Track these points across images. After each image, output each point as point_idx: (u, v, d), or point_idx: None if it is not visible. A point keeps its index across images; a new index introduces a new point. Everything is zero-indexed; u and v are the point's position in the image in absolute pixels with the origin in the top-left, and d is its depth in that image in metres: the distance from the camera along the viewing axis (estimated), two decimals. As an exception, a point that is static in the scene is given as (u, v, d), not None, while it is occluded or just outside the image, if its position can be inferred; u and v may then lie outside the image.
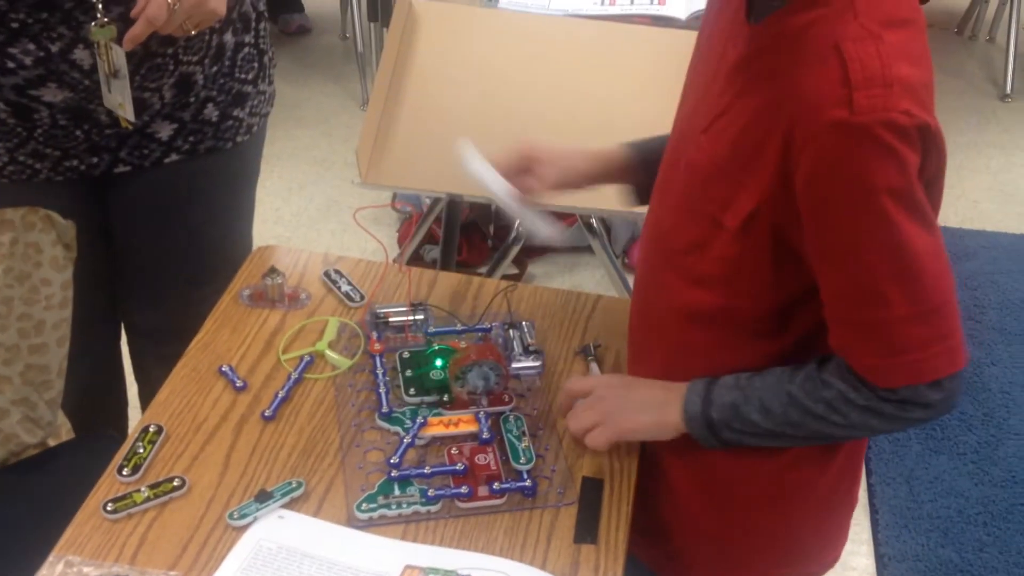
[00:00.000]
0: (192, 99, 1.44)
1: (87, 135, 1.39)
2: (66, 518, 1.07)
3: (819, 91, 0.89)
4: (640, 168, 1.21)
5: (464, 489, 1.10)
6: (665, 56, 1.88)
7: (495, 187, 1.17)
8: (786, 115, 0.91)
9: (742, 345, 1.07)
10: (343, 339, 1.31)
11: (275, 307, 1.35)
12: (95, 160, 1.42)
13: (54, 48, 1.29)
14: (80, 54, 1.30)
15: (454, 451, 1.14)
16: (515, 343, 1.30)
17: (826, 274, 0.96)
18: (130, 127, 1.36)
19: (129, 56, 1.27)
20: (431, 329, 1.32)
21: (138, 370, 1.79)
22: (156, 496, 1.09)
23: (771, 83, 0.94)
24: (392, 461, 1.13)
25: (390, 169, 1.75)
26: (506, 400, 1.21)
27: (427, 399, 1.21)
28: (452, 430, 1.18)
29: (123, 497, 1.08)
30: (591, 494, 1.12)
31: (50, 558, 1.03)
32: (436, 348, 1.26)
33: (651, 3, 2.07)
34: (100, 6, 1.25)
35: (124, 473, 1.11)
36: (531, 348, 1.29)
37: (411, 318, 1.33)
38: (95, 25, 1.26)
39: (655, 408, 1.11)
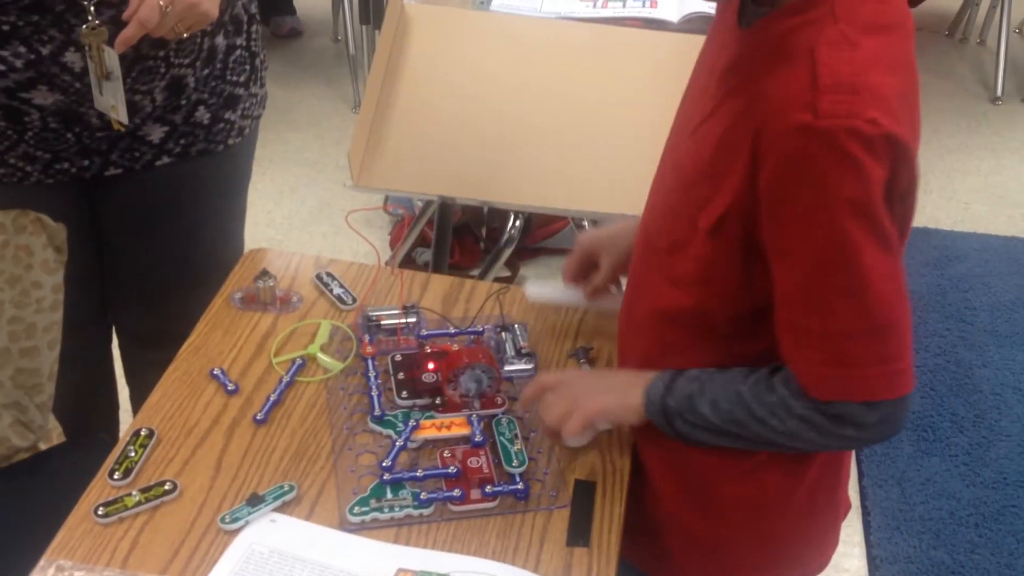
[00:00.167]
0: (183, 102, 1.43)
1: (78, 138, 1.39)
2: (57, 522, 1.06)
3: (787, 93, 0.89)
4: None
5: (456, 492, 1.10)
6: (657, 59, 1.88)
7: (573, 300, 1.25)
8: (756, 116, 0.92)
9: (716, 348, 1.07)
10: (335, 342, 1.31)
11: (267, 310, 1.35)
12: (86, 163, 1.42)
13: (45, 51, 1.29)
14: (71, 57, 1.30)
15: (446, 454, 1.14)
16: (507, 346, 1.30)
17: (779, 276, 0.96)
18: (122, 129, 1.36)
19: (120, 59, 1.27)
20: (423, 332, 1.31)
21: (129, 373, 1.78)
22: (147, 500, 1.08)
23: (750, 86, 0.94)
24: (384, 464, 1.13)
25: (382, 172, 1.75)
26: (498, 403, 1.21)
27: (419, 402, 1.21)
28: (444, 433, 1.17)
29: (114, 501, 1.08)
30: (583, 497, 1.12)
31: (41, 562, 1.02)
32: (428, 351, 1.26)
33: (643, 6, 2.08)
34: (92, 9, 1.25)
35: (115, 477, 1.11)
36: (523, 351, 1.29)
37: (403, 321, 1.32)
38: (86, 28, 1.25)
39: (620, 389, 1.11)
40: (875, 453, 2.31)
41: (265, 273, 1.36)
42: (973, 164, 3.42)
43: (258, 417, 1.19)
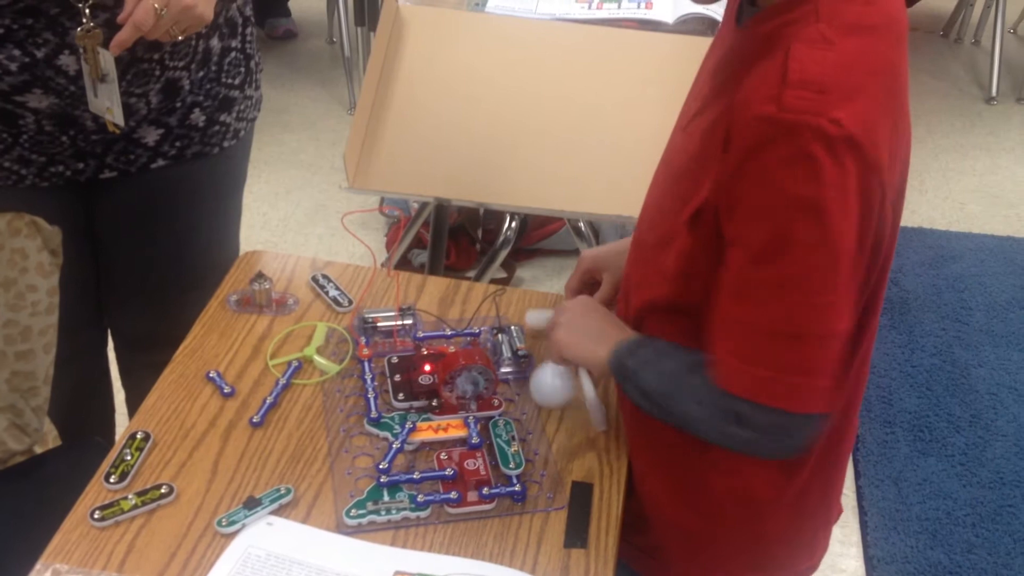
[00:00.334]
0: (178, 104, 1.43)
1: (73, 141, 1.38)
2: (53, 526, 1.06)
3: (758, 86, 0.89)
4: None
5: (453, 494, 1.10)
6: (652, 60, 1.88)
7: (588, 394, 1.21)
8: (731, 109, 0.92)
9: (700, 342, 1.07)
10: (331, 344, 1.31)
11: (263, 312, 1.35)
12: (81, 166, 1.42)
13: (39, 54, 1.28)
14: (66, 60, 1.29)
15: (443, 456, 1.14)
16: (504, 347, 1.30)
17: (726, 263, 0.96)
18: (118, 132, 1.35)
19: (115, 61, 1.27)
20: (420, 334, 1.31)
21: (125, 376, 1.78)
22: (144, 503, 1.08)
23: (734, 83, 0.95)
24: (381, 467, 1.13)
25: (378, 173, 1.75)
26: (495, 404, 1.21)
27: (416, 404, 1.21)
28: (441, 435, 1.17)
29: (111, 504, 1.08)
30: (581, 498, 1.12)
31: (37, 566, 1.02)
32: (425, 353, 1.26)
33: (638, 7, 2.07)
34: (86, 11, 1.25)
35: (111, 480, 1.10)
36: (520, 352, 1.29)
37: (399, 323, 1.32)
38: (81, 30, 1.25)
39: (597, 338, 1.12)
40: (872, 453, 2.31)
41: (261, 275, 1.36)
42: (968, 164, 3.43)
43: (254, 420, 1.19)
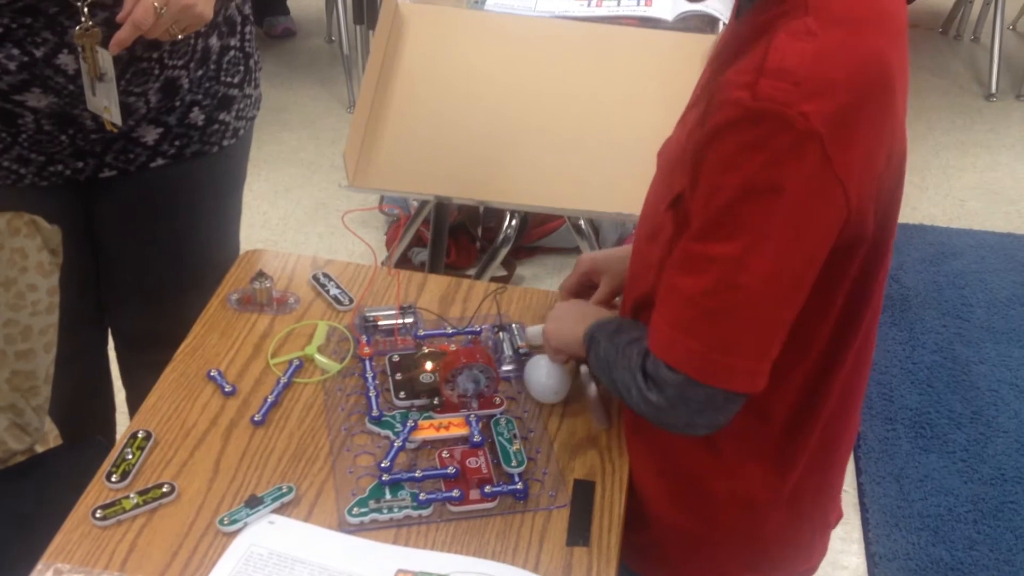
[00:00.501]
0: (178, 103, 1.43)
1: (72, 140, 1.38)
2: (55, 525, 1.06)
3: (736, 73, 0.90)
4: None
5: (455, 493, 1.10)
6: (652, 57, 1.88)
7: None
8: (713, 93, 0.93)
9: None
10: (332, 343, 1.30)
11: (263, 311, 1.35)
12: (80, 165, 1.41)
13: (38, 53, 1.28)
14: (64, 59, 1.29)
15: (445, 454, 1.14)
16: (505, 345, 1.30)
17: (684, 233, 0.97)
18: (116, 131, 1.35)
19: (114, 60, 1.26)
20: (421, 332, 1.31)
21: (125, 375, 1.78)
22: (145, 503, 1.08)
23: (723, 72, 0.95)
24: (383, 465, 1.12)
25: (377, 172, 1.75)
26: (496, 403, 1.21)
27: (417, 402, 1.21)
28: (443, 433, 1.17)
29: (112, 504, 1.08)
30: (583, 496, 1.12)
31: (39, 566, 1.02)
32: (426, 351, 1.26)
33: (637, 4, 2.07)
34: (85, 10, 1.25)
35: (113, 480, 1.10)
36: (521, 350, 1.29)
37: (400, 321, 1.32)
38: (79, 29, 1.25)
39: (578, 320, 1.16)
40: (873, 450, 2.31)
41: (261, 274, 1.35)
42: (968, 161, 3.43)
43: (256, 419, 1.19)
